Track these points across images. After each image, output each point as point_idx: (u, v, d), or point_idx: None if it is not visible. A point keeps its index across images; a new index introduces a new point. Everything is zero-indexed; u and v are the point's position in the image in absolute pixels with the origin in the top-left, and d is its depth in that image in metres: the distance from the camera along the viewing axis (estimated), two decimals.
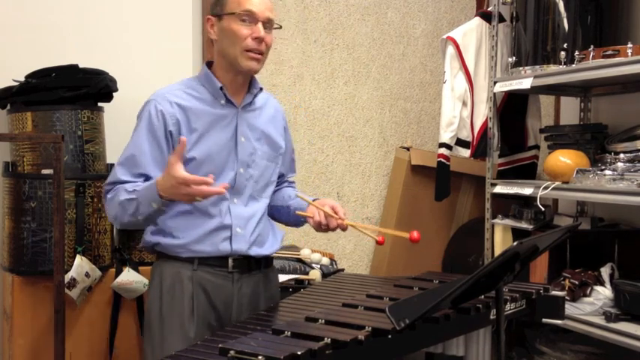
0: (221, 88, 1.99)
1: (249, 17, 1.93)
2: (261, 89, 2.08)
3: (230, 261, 1.98)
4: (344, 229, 2.00)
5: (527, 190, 2.77)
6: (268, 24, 1.96)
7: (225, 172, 1.97)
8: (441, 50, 3.17)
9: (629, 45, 2.50)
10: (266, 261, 2.09)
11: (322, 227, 2.00)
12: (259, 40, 1.93)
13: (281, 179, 2.21)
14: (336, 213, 1.98)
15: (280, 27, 2.04)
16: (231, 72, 1.99)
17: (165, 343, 1.92)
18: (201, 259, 1.96)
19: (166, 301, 1.96)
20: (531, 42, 2.89)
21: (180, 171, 1.74)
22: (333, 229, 2.00)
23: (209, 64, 2.04)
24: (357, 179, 3.58)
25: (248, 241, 1.99)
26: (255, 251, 2.01)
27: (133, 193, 1.86)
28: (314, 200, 2.06)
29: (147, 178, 1.91)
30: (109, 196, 1.93)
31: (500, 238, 3.04)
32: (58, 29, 2.85)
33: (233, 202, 1.99)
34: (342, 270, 3.06)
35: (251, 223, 2.01)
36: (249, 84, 2.05)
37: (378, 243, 2.01)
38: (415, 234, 1.91)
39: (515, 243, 1.53)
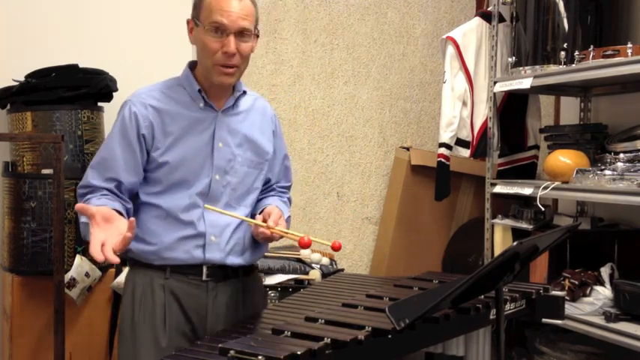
0: (199, 91, 1.90)
1: (220, 29, 1.81)
2: (244, 92, 1.98)
3: (204, 269, 1.89)
4: (271, 238, 1.87)
5: (527, 190, 2.77)
6: (244, 33, 1.83)
7: (199, 178, 1.88)
8: (441, 50, 3.17)
9: (629, 45, 2.50)
10: (245, 269, 1.97)
11: (258, 236, 1.89)
12: (229, 54, 1.81)
13: (267, 185, 2.08)
14: (264, 222, 1.85)
15: (257, 36, 1.90)
16: (208, 79, 1.90)
17: (136, 352, 1.86)
18: (173, 267, 1.88)
19: (138, 309, 1.88)
20: (531, 42, 2.89)
21: (98, 236, 1.62)
22: (267, 239, 1.88)
23: (192, 65, 1.95)
24: (357, 179, 3.58)
25: (223, 250, 1.90)
26: (232, 260, 1.91)
27: (83, 218, 1.74)
28: (262, 211, 1.93)
29: (118, 182, 1.85)
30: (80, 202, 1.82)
31: (500, 238, 3.04)
32: (58, 29, 2.86)
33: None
34: (342, 270, 3.07)
35: (227, 231, 1.91)
36: (232, 87, 1.95)
37: (333, 249, 1.79)
38: (306, 239, 1.79)
39: (515, 243, 1.53)
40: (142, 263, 1.90)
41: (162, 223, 1.87)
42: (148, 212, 1.88)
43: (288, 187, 2.15)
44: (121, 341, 1.92)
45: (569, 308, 2.60)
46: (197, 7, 1.86)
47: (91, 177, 1.86)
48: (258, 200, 2.02)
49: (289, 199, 2.13)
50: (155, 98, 1.89)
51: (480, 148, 3.10)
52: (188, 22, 1.91)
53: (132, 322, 1.88)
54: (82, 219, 1.76)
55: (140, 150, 1.85)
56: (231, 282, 1.93)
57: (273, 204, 1.97)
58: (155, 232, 1.87)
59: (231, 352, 1.39)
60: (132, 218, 1.64)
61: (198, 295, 1.89)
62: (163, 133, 1.86)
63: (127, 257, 1.94)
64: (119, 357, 1.94)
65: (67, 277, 2.44)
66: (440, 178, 3.16)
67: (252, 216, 1.96)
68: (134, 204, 1.89)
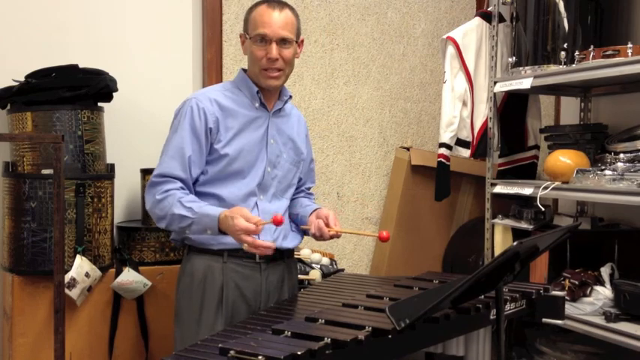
0: (257, 92, 2.16)
1: (263, 40, 2.09)
2: (290, 97, 2.26)
3: None
4: (337, 237, 2.15)
5: (527, 190, 2.77)
6: (285, 41, 2.11)
7: (254, 169, 2.14)
8: (441, 50, 3.17)
9: (629, 45, 2.50)
10: (289, 252, 2.25)
11: (318, 238, 2.16)
12: (272, 60, 2.09)
13: (300, 184, 2.36)
14: (327, 225, 2.12)
15: (296, 41, 2.18)
16: (259, 83, 2.17)
17: (194, 334, 2.04)
18: (230, 251, 2.10)
19: (197, 292, 2.11)
20: (531, 42, 2.89)
21: (253, 218, 1.93)
22: (328, 239, 2.15)
23: (245, 71, 2.21)
24: (357, 179, 3.58)
25: (273, 235, 2.15)
26: (280, 244, 2.16)
27: (190, 211, 2.00)
28: (315, 210, 2.21)
29: (190, 175, 2.08)
30: (158, 197, 2.06)
31: (500, 238, 3.04)
32: (58, 29, 2.85)
33: (260, 198, 2.16)
34: (342, 270, 3.06)
35: None
36: (279, 91, 2.23)
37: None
38: (385, 233, 2.00)
39: (515, 243, 1.53)
40: (200, 249, 2.13)
41: None
42: (208, 201, 2.09)
43: (311, 187, 2.46)
44: (178, 323, 2.15)
45: (569, 308, 2.60)
46: (246, 22, 2.17)
47: (173, 167, 2.08)
48: (293, 199, 2.31)
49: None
50: (218, 97, 2.15)
51: (480, 148, 3.10)
52: (240, 36, 2.20)
53: (190, 305, 2.11)
54: (182, 211, 2.00)
55: (206, 143, 2.10)
56: (278, 263, 2.20)
57: (320, 208, 2.23)
58: None
59: (231, 352, 1.39)
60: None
61: (253, 275, 2.13)
62: (225, 128, 2.11)
63: (184, 245, 2.19)
64: (175, 339, 2.15)
65: (67, 277, 2.44)
66: (440, 178, 3.16)
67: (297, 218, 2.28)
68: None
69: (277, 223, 1.97)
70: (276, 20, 2.09)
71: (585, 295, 2.64)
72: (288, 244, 2.22)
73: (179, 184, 2.07)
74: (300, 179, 2.35)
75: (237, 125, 2.12)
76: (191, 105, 2.11)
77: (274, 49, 2.08)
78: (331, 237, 2.13)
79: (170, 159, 2.08)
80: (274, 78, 2.13)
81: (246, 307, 2.12)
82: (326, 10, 3.46)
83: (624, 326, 2.45)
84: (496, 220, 3.04)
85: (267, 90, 2.18)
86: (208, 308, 2.09)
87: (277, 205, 2.19)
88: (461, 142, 3.13)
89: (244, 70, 2.22)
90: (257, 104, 2.17)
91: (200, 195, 2.12)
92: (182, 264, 2.21)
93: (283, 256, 2.22)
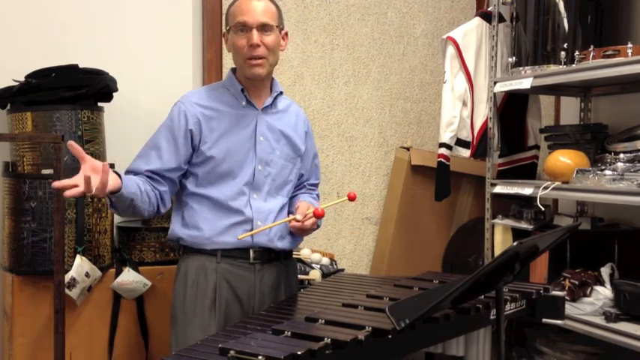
0: (242, 90, 2.15)
1: (243, 27, 2.08)
2: (281, 93, 2.23)
3: (251, 252, 2.11)
4: (303, 227, 2.11)
5: (527, 190, 2.77)
6: (266, 27, 2.09)
7: (244, 168, 2.11)
8: (441, 50, 3.17)
9: (629, 45, 2.50)
10: (285, 253, 2.22)
11: (296, 232, 2.16)
12: (254, 46, 2.07)
13: (301, 180, 2.33)
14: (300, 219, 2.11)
15: (285, 33, 2.18)
16: (246, 79, 2.15)
17: (187, 334, 2.04)
18: (224, 252, 2.09)
19: (190, 293, 2.10)
20: (531, 42, 2.89)
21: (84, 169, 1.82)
22: (300, 229, 2.13)
23: (234, 70, 2.20)
24: (357, 179, 3.58)
25: (268, 234, 2.12)
26: (276, 244, 2.14)
27: None
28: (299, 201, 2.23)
29: (159, 168, 2.07)
30: None
31: (500, 238, 3.04)
32: (58, 29, 2.86)
33: (253, 197, 2.13)
34: (342, 270, 3.06)
35: (270, 217, 2.14)
36: (270, 88, 2.21)
37: (350, 199, 2.16)
38: (352, 194, 2.15)
39: (515, 243, 1.53)
40: (194, 249, 2.13)
41: (213, 212, 2.10)
42: (199, 202, 2.12)
43: (317, 185, 2.43)
44: (173, 324, 2.14)
45: (569, 308, 2.60)
46: (226, 18, 2.16)
47: (136, 164, 2.11)
48: (292, 197, 2.27)
49: (318, 195, 2.41)
50: (202, 99, 2.15)
51: (480, 148, 3.10)
52: (223, 34, 2.20)
53: (183, 305, 2.10)
54: None
55: (185, 143, 2.09)
56: (274, 264, 2.17)
57: (303, 200, 2.24)
58: (207, 219, 2.10)
59: (231, 352, 1.39)
60: (105, 162, 1.82)
61: (247, 276, 2.12)
62: (210, 129, 2.10)
63: (179, 245, 2.19)
64: (170, 340, 2.14)
65: (67, 277, 2.44)
66: (440, 178, 3.16)
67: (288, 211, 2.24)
68: (183, 195, 2.15)
69: (351, 198, 2.10)
70: (255, 7, 2.08)
71: (585, 295, 2.64)
72: (285, 244, 2.18)
73: (142, 176, 2.08)
74: (301, 175, 2.32)
75: (222, 126, 2.11)
76: (174, 110, 2.14)
77: (255, 35, 2.06)
78: (297, 228, 2.11)
79: (138, 158, 2.13)
80: (258, 66, 2.09)
81: (239, 308, 2.11)
82: (326, 10, 3.46)
83: (624, 326, 2.45)
84: (496, 220, 3.04)
85: (254, 87, 2.16)
86: (202, 308, 2.08)
87: (273, 204, 2.16)
88: (461, 142, 3.13)
89: (234, 70, 2.21)
90: (244, 103, 2.15)
91: (196, 196, 2.12)
92: (177, 265, 2.20)
93: (279, 258, 2.19)
